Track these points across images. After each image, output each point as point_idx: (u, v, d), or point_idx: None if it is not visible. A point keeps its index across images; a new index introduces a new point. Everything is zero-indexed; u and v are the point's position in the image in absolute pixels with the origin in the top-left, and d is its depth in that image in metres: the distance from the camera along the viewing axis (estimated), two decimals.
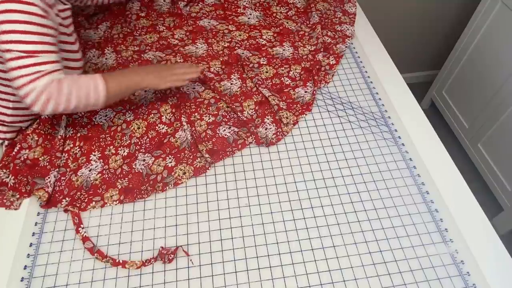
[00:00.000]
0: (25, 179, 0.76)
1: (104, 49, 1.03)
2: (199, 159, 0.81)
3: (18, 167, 0.77)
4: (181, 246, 0.69)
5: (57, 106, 0.69)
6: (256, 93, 0.94)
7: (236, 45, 1.06)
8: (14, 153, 0.79)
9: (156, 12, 1.15)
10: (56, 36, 0.74)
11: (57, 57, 0.71)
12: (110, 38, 1.07)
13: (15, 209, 0.73)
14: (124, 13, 1.14)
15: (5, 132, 0.82)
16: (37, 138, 0.82)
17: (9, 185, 0.75)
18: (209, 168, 0.80)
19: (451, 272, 0.67)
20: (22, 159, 0.79)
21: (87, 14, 1.11)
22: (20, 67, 0.66)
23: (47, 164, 0.78)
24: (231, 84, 0.96)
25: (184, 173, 0.79)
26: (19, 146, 0.80)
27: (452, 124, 1.83)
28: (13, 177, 0.76)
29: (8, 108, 0.80)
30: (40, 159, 0.79)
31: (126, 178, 0.78)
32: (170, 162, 0.81)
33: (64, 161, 0.80)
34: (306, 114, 0.91)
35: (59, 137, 0.82)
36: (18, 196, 0.74)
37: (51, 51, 0.70)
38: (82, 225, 0.72)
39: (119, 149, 0.83)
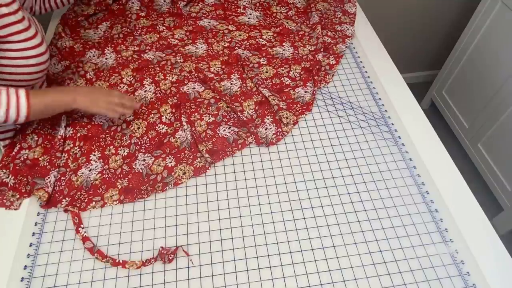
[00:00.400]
0: (25, 179, 0.76)
1: (104, 49, 1.03)
2: (199, 159, 0.81)
3: (18, 167, 0.77)
4: (181, 246, 0.69)
5: None
6: (256, 93, 0.94)
7: (236, 45, 1.06)
8: (14, 153, 0.79)
9: (156, 12, 1.16)
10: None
11: None
12: (110, 38, 1.07)
13: (15, 209, 0.73)
14: (124, 13, 1.14)
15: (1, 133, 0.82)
16: (37, 138, 0.82)
17: (9, 185, 0.75)
18: (209, 168, 0.80)
19: (451, 272, 0.67)
20: (22, 159, 0.79)
21: (87, 14, 1.11)
22: None
23: (47, 164, 0.78)
24: (231, 84, 0.96)
25: (184, 173, 0.79)
26: (19, 146, 0.80)
27: (452, 124, 1.83)
28: (13, 177, 0.76)
29: None
30: (40, 159, 0.79)
31: (126, 178, 0.78)
32: (170, 162, 0.81)
33: (64, 161, 0.80)
34: (306, 114, 0.91)
35: (59, 137, 0.82)
36: (18, 196, 0.74)
37: None
38: (82, 225, 0.72)
39: (119, 149, 0.83)
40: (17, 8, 0.73)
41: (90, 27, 1.10)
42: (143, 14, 1.14)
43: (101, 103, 0.78)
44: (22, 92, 0.69)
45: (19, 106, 0.69)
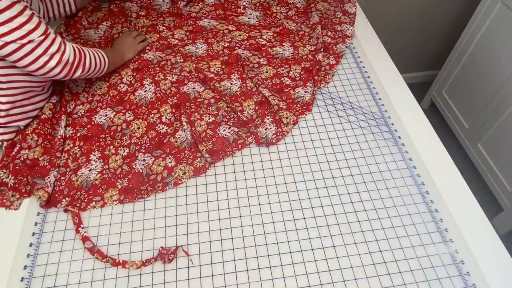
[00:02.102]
0: (25, 179, 0.76)
1: (105, 48, 1.03)
2: (199, 159, 0.81)
3: (18, 167, 0.77)
4: (181, 246, 0.69)
5: (83, 70, 0.80)
6: (256, 93, 0.94)
7: (236, 45, 1.06)
8: (14, 153, 0.79)
9: (156, 12, 1.16)
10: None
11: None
12: (110, 38, 1.07)
13: (15, 209, 0.73)
14: (124, 12, 1.14)
15: (2, 134, 0.81)
16: (37, 138, 0.82)
17: (9, 185, 0.75)
18: (209, 168, 0.80)
19: (451, 272, 0.67)
20: (22, 159, 0.79)
21: (87, 14, 1.11)
22: (46, 51, 0.72)
23: (47, 164, 0.78)
24: (231, 84, 0.96)
25: (184, 173, 0.79)
26: (19, 146, 0.80)
27: (452, 124, 1.83)
28: (13, 177, 0.76)
29: (1, 110, 0.79)
30: (40, 159, 0.79)
31: (126, 178, 0.78)
32: (170, 162, 0.81)
33: (64, 161, 0.80)
34: (306, 114, 0.91)
35: (59, 137, 0.82)
36: (18, 196, 0.74)
37: (47, 25, 0.74)
38: (82, 225, 0.72)
39: (119, 149, 0.83)
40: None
41: (91, 27, 1.10)
42: (143, 13, 1.14)
43: (132, 47, 1.00)
44: (99, 49, 0.88)
45: (104, 58, 0.88)
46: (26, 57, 0.70)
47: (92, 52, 0.83)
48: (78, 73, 0.80)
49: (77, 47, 0.80)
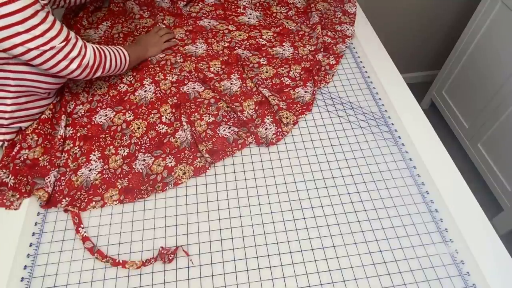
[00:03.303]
0: (25, 179, 0.76)
1: None
2: (199, 159, 0.81)
3: (18, 167, 0.77)
4: (181, 246, 0.69)
5: (103, 71, 0.83)
6: (256, 93, 0.94)
7: (236, 45, 1.06)
8: (14, 153, 0.79)
9: (156, 8, 1.16)
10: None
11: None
12: (111, 38, 1.07)
13: (15, 209, 0.73)
14: (124, 13, 1.14)
15: (4, 134, 0.82)
16: (37, 138, 0.82)
17: (9, 185, 0.75)
18: (209, 168, 0.80)
19: (451, 272, 0.67)
20: (22, 159, 0.79)
21: (87, 14, 1.11)
22: (66, 56, 0.74)
23: (47, 164, 0.78)
24: (231, 84, 0.96)
25: (184, 173, 0.79)
26: (19, 146, 0.80)
27: (452, 124, 1.83)
28: (13, 177, 0.76)
29: (6, 112, 0.79)
30: (40, 159, 0.79)
31: (126, 178, 0.78)
32: (170, 162, 0.81)
33: (64, 161, 0.80)
34: (306, 114, 0.91)
35: (59, 137, 0.82)
36: (18, 196, 0.74)
37: (68, 29, 0.76)
38: (82, 225, 0.72)
39: (119, 149, 0.83)
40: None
41: (91, 26, 1.10)
42: (146, 15, 1.14)
43: (157, 44, 1.01)
44: (121, 47, 0.89)
45: (125, 56, 0.89)
46: (47, 62, 0.73)
47: (114, 52, 0.85)
48: (99, 73, 0.82)
49: (98, 48, 0.82)
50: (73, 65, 0.76)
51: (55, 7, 0.95)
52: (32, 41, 0.69)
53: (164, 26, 1.08)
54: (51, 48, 0.71)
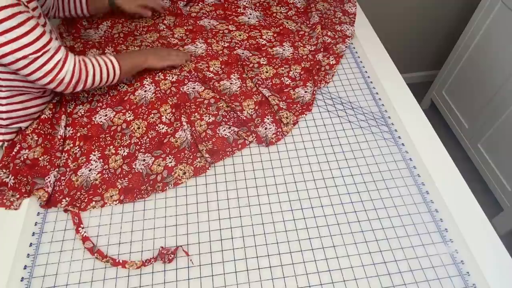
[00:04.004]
0: (25, 179, 0.76)
1: (104, 48, 1.03)
2: (199, 159, 0.81)
3: (18, 167, 0.77)
4: (181, 246, 0.69)
5: (85, 86, 0.79)
6: (256, 93, 0.94)
7: (236, 45, 1.06)
8: (14, 153, 0.79)
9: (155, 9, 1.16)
10: (46, 23, 0.75)
11: (58, 41, 0.75)
12: (111, 38, 1.07)
13: (15, 209, 0.73)
14: (124, 13, 1.14)
15: (3, 134, 0.82)
16: (37, 138, 0.82)
17: (9, 185, 0.75)
18: (209, 168, 0.80)
19: (451, 272, 0.67)
20: (22, 159, 0.79)
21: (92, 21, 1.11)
22: (40, 68, 0.71)
23: (47, 164, 0.78)
24: (231, 83, 0.96)
25: (184, 173, 0.79)
26: (19, 146, 0.80)
27: (452, 124, 1.83)
28: (13, 177, 0.76)
29: (2, 112, 0.79)
30: (40, 159, 0.79)
31: (126, 178, 0.78)
32: (170, 162, 0.81)
33: (64, 161, 0.80)
34: (306, 114, 0.91)
35: (59, 137, 0.82)
36: (18, 196, 0.74)
37: (50, 38, 0.72)
38: (82, 225, 0.72)
39: (119, 149, 0.83)
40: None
41: (91, 26, 1.10)
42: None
43: (165, 59, 0.95)
44: (113, 58, 0.84)
45: (114, 69, 0.84)
46: (22, 69, 0.71)
47: (100, 65, 0.81)
48: (79, 88, 0.79)
49: (81, 62, 0.77)
50: (47, 79, 0.73)
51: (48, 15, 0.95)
52: (6, 45, 0.66)
53: (187, 52, 1.03)
54: (24, 57, 0.68)
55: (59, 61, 0.73)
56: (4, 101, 0.78)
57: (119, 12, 1.08)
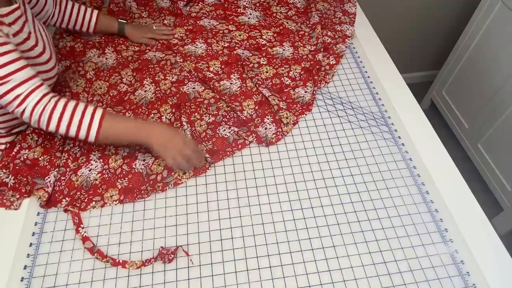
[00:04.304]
0: (25, 179, 0.76)
1: (104, 48, 1.03)
2: None
3: (18, 167, 0.77)
4: (181, 246, 0.69)
5: (47, 129, 0.70)
6: (256, 93, 0.94)
7: (236, 45, 1.06)
8: (14, 153, 0.79)
9: (154, 9, 1.16)
10: (15, 49, 0.68)
11: (29, 72, 0.68)
12: (111, 38, 1.07)
13: (15, 209, 0.73)
14: (124, 12, 1.14)
15: (5, 137, 0.82)
16: (37, 138, 0.82)
17: (9, 185, 0.75)
18: (209, 168, 0.80)
19: (451, 272, 0.67)
20: (22, 159, 0.79)
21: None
22: (1, 96, 0.66)
23: (47, 164, 0.78)
24: (231, 83, 0.96)
25: (184, 173, 0.79)
26: (19, 146, 0.80)
27: (452, 124, 1.83)
28: (13, 177, 0.76)
29: (1, 122, 0.79)
30: (40, 159, 0.79)
31: (126, 178, 0.78)
32: None
33: (64, 161, 0.80)
34: (306, 114, 0.91)
35: (59, 137, 0.82)
36: (18, 196, 0.74)
37: (17, 69, 0.66)
38: (82, 225, 0.72)
39: (119, 149, 0.83)
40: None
41: None
42: (145, 14, 1.14)
43: (171, 153, 0.73)
44: (98, 114, 0.71)
45: (90, 128, 0.70)
46: None
47: (72, 117, 0.69)
48: (43, 128, 0.70)
49: (48, 104, 0.68)
50: (9, 108, 0.68)
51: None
52: None
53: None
54: None
55: (19, 95, 0.67)
56: (0, 111, 0.78)
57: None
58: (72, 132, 0.70)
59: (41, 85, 0.70)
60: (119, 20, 1.04)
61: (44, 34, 0.82)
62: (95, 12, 1.00)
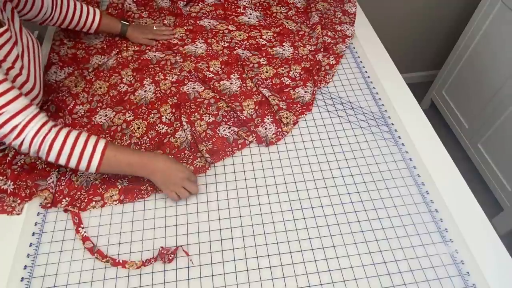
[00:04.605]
0: (24, 183, 0.76)
1: (110, 54, 1.02)
2: (199, 159, 0.81)
3: (16, 172, 0.77)
4: (181, 246, 0.69)
5: (46, 160, 0.68)
6: (256, 93, 0.94)
7: (236, 45, 1.06)
8: (9, 159, 0.78)
9: (154, 9, 1.15)
10: (5, 78, 0.64)
11: (23, 102, 0.65)
12: (113, 42, 1.06)
13: (18, 214, 0.73)
14: (123, 15, 1.14)
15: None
16: None
17: (8, 191, 0.75)
18: (209, 168, 0.80)
19: (451, 272, 0.67)
20: (19, 164, 0.78)
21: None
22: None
23: (45, 166, 0.78)
24: (231, 83, 0.96)
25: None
26: (14, 152, 0.79)
27: (452, 124, 1.83)
28: (12, 182, 0.75)
29: None
30: (37, 162, 0.79)
31: (126, 178, 0.78)
32: None
33: None
34: (306, 114, 0.91)
35: None
36: (19, 201, 0.74)
37: (10, 100, 0.63)
38: (82, 225, 0.72)
39: None
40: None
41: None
42: (145, 14, 1.14)
43: (172, 188, 0.73)
44: (100, 145, 0.69)
45: (91, 159, 0.68)
46: None
47: (73, 148, 0.67)
48: (43, 158, 0.68)
49: (48, 134, 0.66)
50: (7, 140, 0.66)
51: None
52: None
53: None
54: None
55: (16, 126, 0.64)
56: None
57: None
58: (73, 164, 0.68)
59: (38, 113, 0.66)
60: (122, 22, 1.03)
61: (33, 56, 0.78)
62: (98, 12, 0.99)
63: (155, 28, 1.07)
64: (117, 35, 1.05)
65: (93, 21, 0.98)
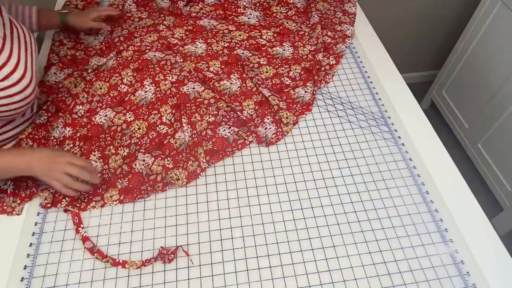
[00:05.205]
0: (24, 183, 0.76)
1: (108, 55, 1.02)
2: (191, 162, 0.81)
3: None
4: (181, 246, 0.69)
5: None
6: (256, 93, 0.94)
7: (236, 45, 1.06)
8: None
9: (154, 10, 1.15)
10: None
11: None
12: (112, 43, 1.06)
13: (18, 214, 0.73)
14: (123, 16, 1.13)
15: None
16: (31, 143, 0.81)
17: (8, 191, 0.75)
18: (201, 174, 0.80)
19: (451, 272, 0.67)
20: None
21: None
22: None
23: None
24: (231, 83, 0.96)
25: (178, 179, 0.78)
26: None
27: (452, 124, 1.83)
28: (12, 182, 0.75)
29: None
30: None
31: (126, 178, 0.78)
32: (168, 163, 0.81)
33: None
34: (306, 114, 0.91)
35: (52, 138, 0.82)
36: (19, 201, 0.74)
37: None
38: (82, 225, 0.72)
39: (119, 149, 0.83)
40: None
41: (90, 33, 1.09)
42: (145, 15, 1.14)
43: (55, 176, 0.69)
44: None
45: None
46: None
47: None
48: None
49: None
50: None
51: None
52: None
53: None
54: None
55: None
56: None
57: (73, 29, 1.03)
58: None
59: None
60: (61, 11, 0.98)
61: (24, 44, 0.75)
62: (34, 8, 0.94)
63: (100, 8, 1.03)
64: (60, 27, 1.01)
65: (30, 16, 0.93)
